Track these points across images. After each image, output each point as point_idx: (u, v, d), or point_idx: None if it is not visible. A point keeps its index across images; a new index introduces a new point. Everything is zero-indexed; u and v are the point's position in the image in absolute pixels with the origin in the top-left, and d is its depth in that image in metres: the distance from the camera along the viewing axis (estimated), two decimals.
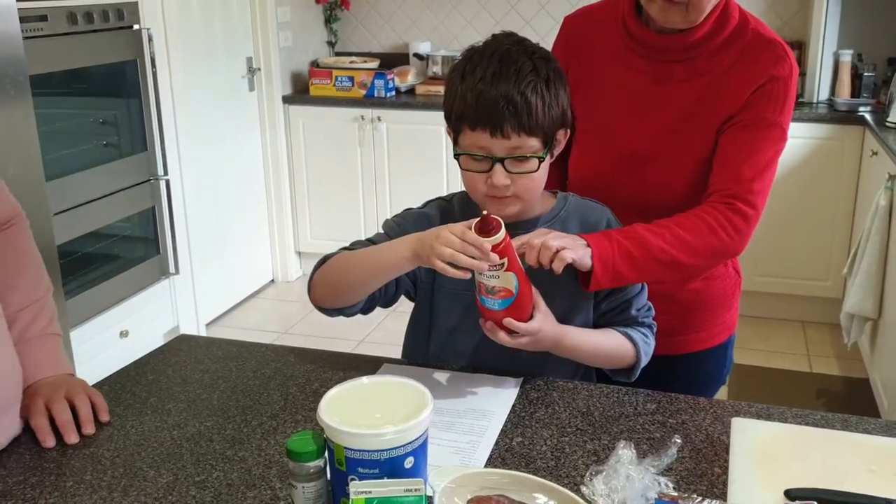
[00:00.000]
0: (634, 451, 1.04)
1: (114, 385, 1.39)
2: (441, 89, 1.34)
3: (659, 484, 1.03)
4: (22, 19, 2.32)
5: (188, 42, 3.66)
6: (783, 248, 3.84)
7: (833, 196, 3.75)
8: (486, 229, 1.17)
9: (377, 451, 0.94)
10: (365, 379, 1.07)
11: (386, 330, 3.75)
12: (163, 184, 3.40)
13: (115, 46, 3.11)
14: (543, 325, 1.27)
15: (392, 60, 4.61)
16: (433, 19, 4.68)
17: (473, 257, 1.16)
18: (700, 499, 1.03)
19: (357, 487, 0.91)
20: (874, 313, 3.10)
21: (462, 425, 1.23)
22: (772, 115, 1.43)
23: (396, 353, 1.52)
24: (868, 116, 3.63)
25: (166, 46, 3.45)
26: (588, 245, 1.30)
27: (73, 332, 2.83)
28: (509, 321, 1.24)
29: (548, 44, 1.59)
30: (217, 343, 1.56)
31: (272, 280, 4.62)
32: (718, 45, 1.45)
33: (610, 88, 1.53)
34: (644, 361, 1.39)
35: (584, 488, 1.04)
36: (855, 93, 3.99)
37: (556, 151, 1.36)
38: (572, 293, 1.37)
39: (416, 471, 0.97)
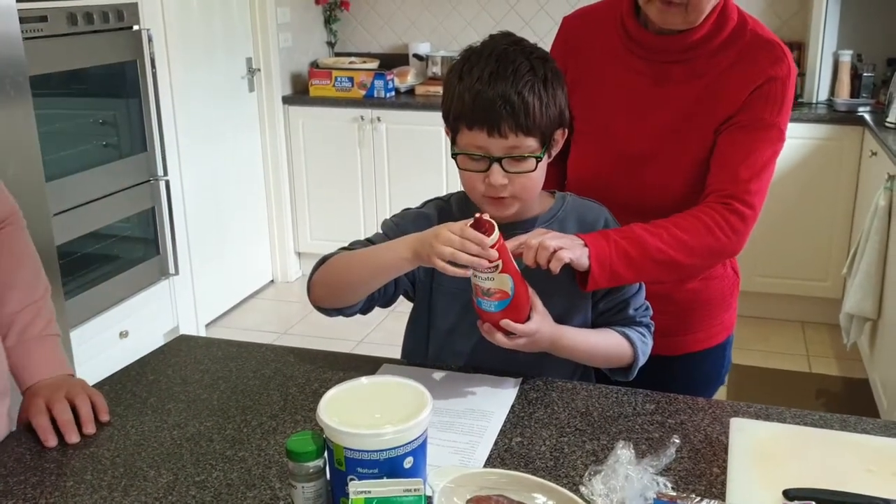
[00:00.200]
0: (633, 451, 1.04)
1: (114, 385, 1.39)
2: (440, 90, 1.34)
3: (657, 484, 1.03)
4: (22, 20, 2.33)
5: (188, 43, 3.67)
6: (782, 248, 3.85)
7: (832, 196, 3.75)
8: (479, 231, 1.18)
9: (376, 451, 0.94)
10: (364, 379, 1.08)
11: (385, 330, 3.75)
12: (162, 184, 3.40)
13: (114, 47, 3.11)
14: (541, 325, 1.27)
15: (392, 61, 4.62)
16: (433, 20, 4.69)
17: (473, 254, 1.16)
18: (699, 499, 1.03)
19: (356, 487, 0.91)
20: (873, 313, 3.10)
21: (461, 425, 1.24)
22: (770, 115, 1.43)
23: (396, 354, 1.52)
24: (867, 117, 3.63)
25: (166, 47, 3.45)
26: (585, 245, 1.30)
27: (72, 333, 2.83)
28: (506, 322, 1.24)
29: (547, 44, 1.59)
30: (217, 343, 1.56)
31: (272, 280, 4.62)
32: (717, 46, 1.46)
33: (609, 89, 1.53)
34: (642, 361, 1.40)
35: (582, 488, 1.04)
36: (854, 93, 3.99)
37: (554, 151, 1.36)
38: (570, 293, 1.37)
39: (416, 471, 0.97)
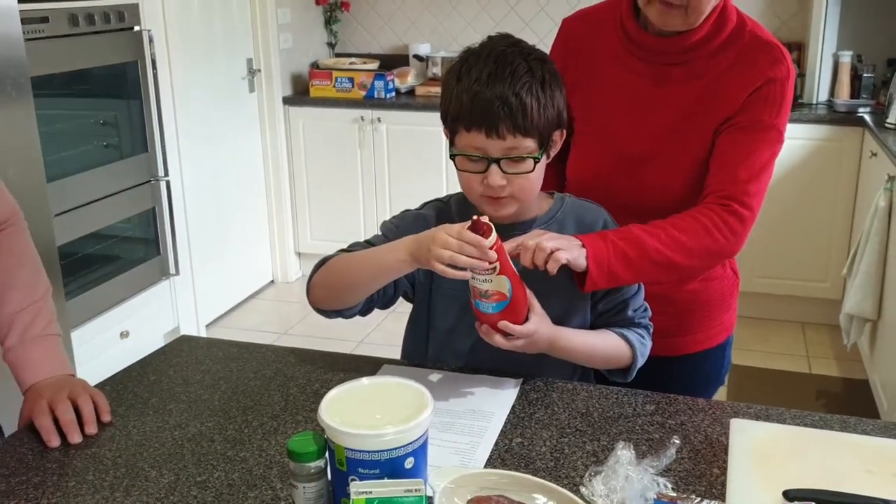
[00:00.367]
0: (633, 451, 1.04)
1: (115, 386, 1.39)
2: (440, 90, 1.34)
3: (658, 484, 1.03)
4: (23, 21, 2.33)
5: (189, 43, 3.67)
6: (782, 249, 3.85)
7: (832, 197, 3.75)
8: (476, 233, 1.18)
9: (378, 451, 0.94)
10: (365, 380, 1.08)
11: (385, 331, 3.75)
12: (163, 185, 3.40)
13: (115, 48, 3.12)
14: (539, 326, 1.27)
15: (392, 62, 4.62)
16: (433, 21, 4.69)
17: (471, 256, 1.16)
18: (699, 499, 1.03)
19: (357, 488, 0.91)
20: (873, 314, 3.10)
21: (462, 426, 1.24)
22: (768, 117, 1.43)
23: (396, 354, 1.53)
24: (867, 117, 3.64)
25: (167, 48, 3.45)
26: (583, 246, 1.31)
27: (73, 333, 2.84)
28: (504, 324, 1.24)
29: (547, 45, 1.60)
30: (218, 344, 1.57)
31: (272, 281, 4.62)
32: (716, 48, 1.46)
33: (609, 90, 1.53)
34: (640, 362, 1.40)
35: (583, 489, 1.04)
36: (854, 94, 3.99)
37: (553, 152, 1.36)
38: (569, 294, 1.37)
39: (417, 471, 0.97)
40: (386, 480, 0.94)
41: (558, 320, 1.34)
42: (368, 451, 0.94)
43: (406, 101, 4.31)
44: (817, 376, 3.51)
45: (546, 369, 1.40)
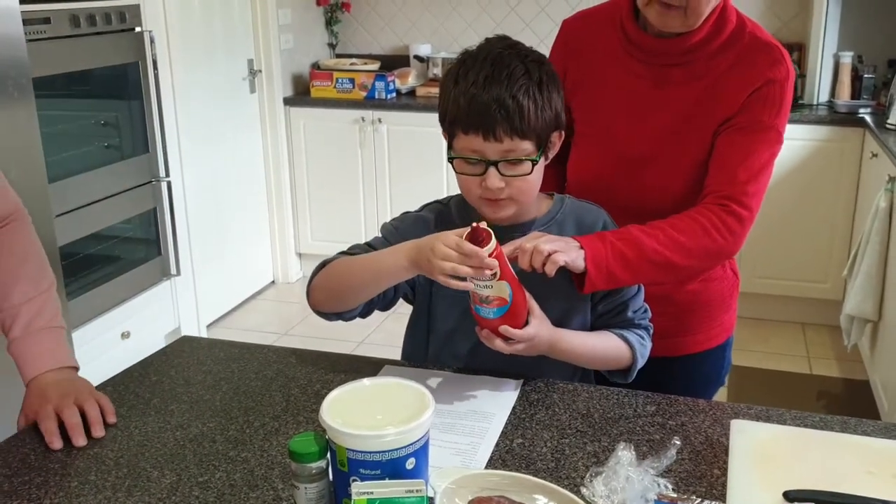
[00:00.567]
0: (634, 452, 1.04)
1: (117, 386, 1.40)
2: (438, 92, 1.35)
3: (658, 485, 1.03)
4: (25, 22, 2.33)
5: (189, 44, 3.67)
6: (783, 249, 3.85)
7: (833, 198, 3.75)
8: (476, 241, 1.18)
9: (379, 452, 0.95)
10: (366, 380, 1.08)
11: (386, 331, 3.76)
12: (164, 185, 3.40)
13: (117, 49, 3.12)
14: (539, 330, 1.27)
15: (392, 62, 4.62)
16: (433, 21, 4.69)
17: (473, 266, 1.17)
18: (699, 500, 1.04)
19: (359, 488, 0.92)
20: (874, 315, 3.10)
21: (463, 427, 1.24)
22: (768, 118, 1.44)
23: (397, 355, 1.53)
24: (868, 118, 3.64)
25: (168, 48, 3.46)
26: (581, 247, 1.31)
27: (74, 334, 2.84)
28: (505, 328, 1.25)
29: (547, 46, 1.60)
30: (219, 344, 1.57)
31: (273, 281, 4.62)
32: (716, 49, 1.46)
33: (609, 91, 1.53)
34: (640, 363, 1.40)
35: (583, 489, 1.05)
36: (855, 94, 4.00)
37: (551, 154, 1.36)
38: (569, 296, 1.38)
39: (418, 472, 0.98)
40: (387, 481, 0.94)
41: (558, 322, 1.34)
42: (370, 452, 0.95)
43: (407, 101, 4.31)
44: (818, 377, 3.52)
45: (546, 370, 1.40)
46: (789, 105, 1.46)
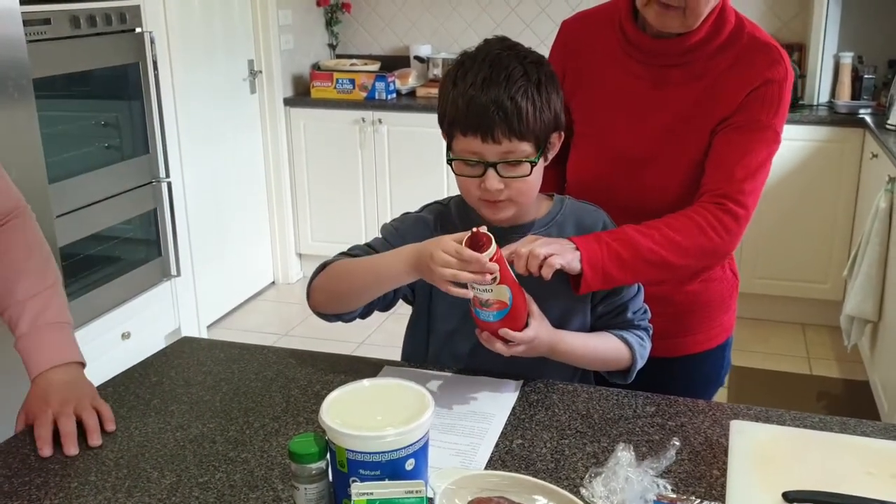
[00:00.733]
0: (633, 453, 1.05)
1: (117, 387, 1.40)
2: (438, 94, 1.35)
3: (657, 486, 1.03)
4: (25, 23, 2.33)
5: (190, 45, 3.67)
6: (783, 250, 3.85)
7: (833, 198, 3.75)
8: (476, 245, 1.18)
9: (378, 452, 0.95)
10: (366, 381, 1.08)
11: (386, 332, 3.76)
12: (164, 186, 3.40)
13: (117, 49, 3.12)
14: (539, 332, 1.27)
15: (393, 63, 4.62)
16: (433, 22, 4.69)
17: (474, 272, 1.17)
18: (698, 501, 1.04)
19: (358, 489, 0.92)
20: (874, 315, 3.10)
21: (462, 427, 1.24)
22: (765, 117, 1.44)
23: (397, 356, 1.53)
24: (868, 119, 3.64)
25: (168, 49, 3.46)
26: (577, 248, 1.31)
27: (75, 334, 2.84)
28: (505, 331, 1.25)
29: (547, 47, 1.60)
30: (219, 345, 1.57)
31: (273, 282, 4.63)
32: (715, 49, 1.46)
33: (608, 92, 1.54)
34: (640, 364, 1.40)
35: (583, 490, 1.05)
36: (855, 95, 4.00)
37: (551, 155, 1.36)
38: (569, 297, 1.38)
39: (417, 472, 0.98)
40: (387, 482, 0.94)
41: (558, 323, 1.34)
42: (369, 453, 0.95)
43: (407, 102, 4.32)
44: (818, 377, 3.52)
45: (546, 371, 1.40)
46: (787, 105, 1.46)
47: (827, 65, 4.06)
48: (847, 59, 4.01)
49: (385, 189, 4.37)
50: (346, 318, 1.39)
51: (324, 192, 4.49)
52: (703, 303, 1.59)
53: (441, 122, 1.34)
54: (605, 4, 1.59)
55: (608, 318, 1.41)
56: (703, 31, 1.45)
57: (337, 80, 4.36)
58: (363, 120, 4.29)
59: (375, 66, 4.52)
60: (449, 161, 1.33)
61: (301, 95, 4.49)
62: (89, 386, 1.32)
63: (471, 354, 1.41)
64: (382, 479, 0.95)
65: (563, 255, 1.28)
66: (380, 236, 1.44)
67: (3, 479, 1.14)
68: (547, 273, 1.26)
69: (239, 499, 1.09)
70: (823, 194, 3.76)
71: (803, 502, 1.02)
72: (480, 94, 1.26)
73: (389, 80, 4.31)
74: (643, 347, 1.40)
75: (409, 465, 0.97)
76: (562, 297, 1.37)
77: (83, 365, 1.34)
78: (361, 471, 0.96)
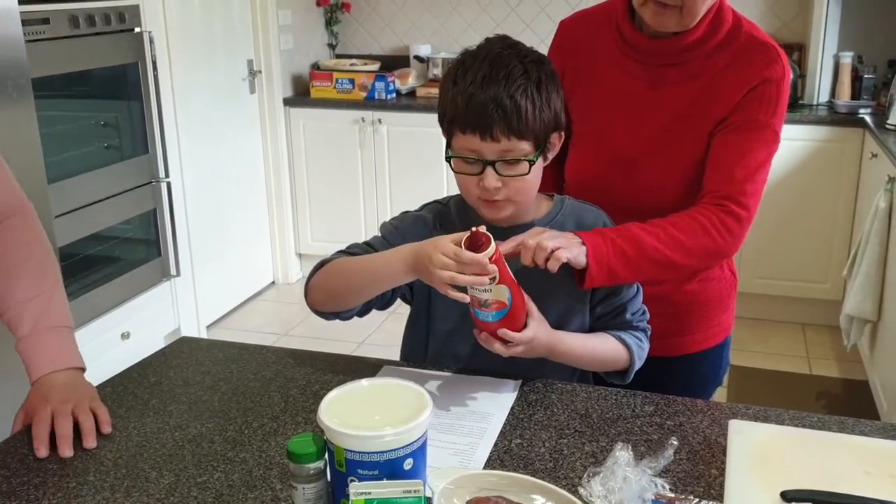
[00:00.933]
0: (632, 452, 1.04)
1: (116, 387, 1.40)
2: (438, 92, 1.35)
3: (656, 485, 1.03)
4: (24, 22, 2.33)
5: (189, 45, 3.67)
6: (783, 250, 3.85)
7: (833, 198, 3.75)
8: (475, 245, 1.18)
9: (377, 452, 0.95)
10: (365, 381, 1.08)
11: (386, 332, 3.76)
12: (164, 186, 3.41)
13: (116, 49, 3.12)
14: (537, 332, 1.27)
15: (392, 63, 4.62)
16: (433, 22, 4.69)
17: (472, 274, 1.17)
18: (697, 500, 1.04)
19: (357, 488, 0.92)
20: (874, 315, 3.10)
21: (461, 427, 1.24)
22: (764, 117, 1.44)
23: (397, 355, 1.53)
24: (868, 118, 3.64)
25: (167, 49, 3.46)
26: (583, 243, 1.31)
27: (75, 334, 2.83)
28: (504, 331, 1.24)
29: (547, 46, 1.60)
30: (218, 345, 1.57)
31: (273, 282, 4.63)
32: (712, 48, 1.46)
33: (605, 91, 1.54)
34: (638, 365, 1.40)
35: (581, 489, 1.05)
36: (855, 95, 4.00)
37: (551, 155, 1.36)
38: (568, 297, 1.38)
39: (416, 472, 0.98)
40: (385, 481, 0.94)
41: (558, 323, 1.34)
42: (367, 453, 0.95)
43: (407, 102, 4.32)
44: (817, 377, 3.52)
45: (546, 372, 1.40)
46: (785, 105, 1.47)
47: (827, 65, 4.06)
48: (847, 58, 4.01)
49: (385, 189, 4.37)
50: (343, 316, 1.39)
51: (323, 192, 4.49)
52: (701, 302, 1.59)
53: (441, 120, 1.34)
54: (602, 4, 1.59)
55: (607, 318, 1.41)
56: (701, 31, 1.45)
57: (337, 80, 4.36)
58: (363, 120, 4.29)
59: (375, 66, 4.52)
60: (447, 159, 1.33)
61: (301, 95, 4.49)
62: (89, 387, 1.32)
63: (470, 355, 1.41)
64: (381, 479, 0.95)
65: (569, 248, 1.28)
66: (379, 235, 1.44)
67: (1, 479, 1.14)
68: (553, 266, 1.26)
69: (237, 498, 1.09)
70: (823, 194, 3.76)
71: (802, 502, 1.02)
72: (480, 92, 1.26)
73: (389, 79, 4.31)
74: (641, 349, 1.40)
75: (408, 464, 0.97)
76: (561, 297, 1.37)
77: (83, 370, 1.34)
78: (360, 470, 0.95)
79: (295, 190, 4.52)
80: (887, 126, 3.46)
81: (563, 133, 1.37)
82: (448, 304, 1.38)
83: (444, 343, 1.44)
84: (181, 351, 1.54)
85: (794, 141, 3.65)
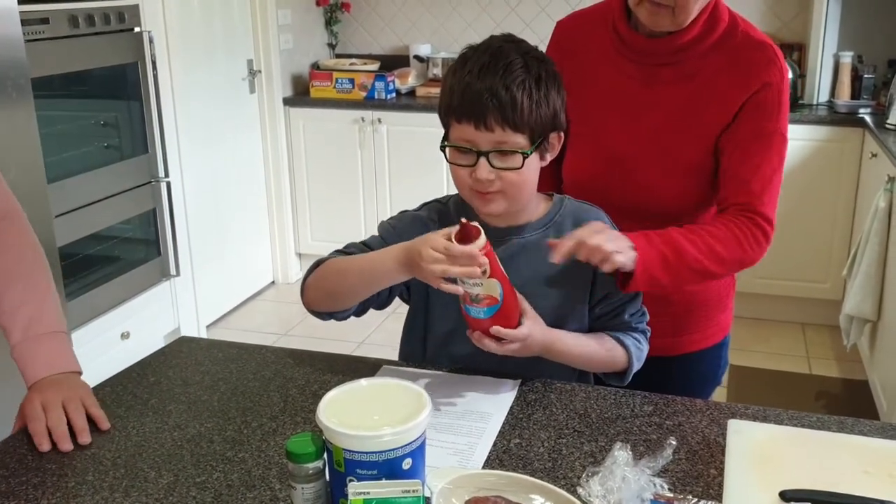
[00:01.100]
0: (630, 452, 1.04)
1: (115, 387, 1.40)
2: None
3: (654, 485, 1.03)
4: (23, 22, 2.33)
5: (189, 44, 3.67)
6: (783, 249, 3.84)
7: (833, 198, 3.75)
8: (466, 238, 1.17)
9: (375, 452, 0.95)
10: (364, 381, 1.08)
11: (386, 332, 3.76)
12: (163, 186, 3.41)
13: (116, 49, 3.12)
14: (532, 330, 1.27)
15: (392, 62, 4.62)
16: (433, 21, 4.69)
17: (464, 265, 1.16)
18: (695, 500, 1.04)
19: (355, 488, 0.92)
20: (873, 315, 3.10)
21: (460, 427, 1.24)
22: (770, 123, 1.45)
23: (396, 355, 1.53)
24: (868, 118, 3.64)
25: (167, 49, 3.46)
26: (634, 248, 1.32)
27: (74, 334, 2.80)
28: (496, 329, 1.24)
29: (547, 47, 1.60)
30: (217, 345, 1.57)
31: (272, 282, 4.63)
32: (708, 48, 1.46)
33: (602, 91, 1.54)
34: (636, 367, 1.40)
35: (580, 489, 1.05)
36: (855, 95, 4.00)
37: (549, 156, 1.35)
38: (567, 298, 1.37)
39: (414, 472, 0.98)
40: (384, 481, 0.94)
41: (555, 324, 1.34)
42: (366, 452, 0.95)
43: (406, 101, 4.32)
44: (817, 377, 3.52)
45: (546, 372, 1.39)
46: (787, 104, 1.48)
47: (827, 64, 4.06)
48: (847, 58, 4.00)
49: (384, 189, 4.37)
50: (339, 316, 1.39)
51: (323, 192, 4.49)
52: (700, 302, 1.59)
53: (439, 111, 1.34)
54: (598, 4, 1.59)
55: (605, 319, 1.41)
56: (696, 30, 1.45)
57: (336, 80, 4.36)
58: (363, 119, 4.29)
59: (375, 66, 4.52)
60: (442, 148, 1.32)
61: (300, 95, 4.49)
62: (84, 386, 1.31)
63: (469, 356, 1.40)
64: (379, 479, 0.95)
65: (625, 253, 1.29)
66: (376, 234, 1.43)
67: (0, 479, 1.14)
68: (607, 268, 1.28)
69: (236, 498, 1.09)
70: (823, 194, 3.76)
71: (800, 501, 1.02)
72: (477, 82, 1.26)
73: (389, 79, 4.31)
74: (640, 350, 1.40)
75: (406, 464, 0.97)
76: (559, 298, 1.37)
77: (79, 374, 1.34)
78: (358, 470, 0.95)
79: (295, 189, 4.52)
80: (887, 126, 3.46)
81: (562, 134, 1.36)
82: (446, 305, 1.39)
83: (443, 344, 1.44)
84: (180, 351, 1.54)
85: (794, 141, 3.62)
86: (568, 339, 1.35)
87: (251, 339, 3.53)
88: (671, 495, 1.04)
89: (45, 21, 2.75)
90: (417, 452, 0.98)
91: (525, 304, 1.28)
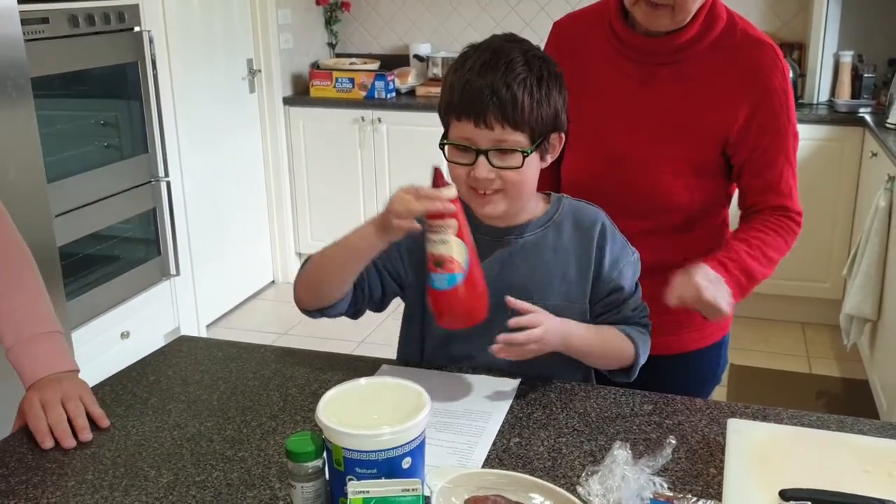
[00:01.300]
0: (630, 451, 1.04)
1: (115, 386, 1.40)
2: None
3: (654, 484, 1.03)
4: (23, 22, 2.33)
5: (189, 44, 3.67)
6: None
7: (833, 197, 3.75)
8: (437, 183, 1.18)
9: (375, 451, 0.95)
10: (363, 380, 1.08)
11: (386, 331, 3.75)
12: (163, 185, 3.41)
13: (116, 48, 3.12)
14: (547, 325, 1.25)
15: (392, 62, 4.62)
16: (433, 21, 4.69)
17: (429, 200, 1.17)
18: (695, 499, 1.04)
19: (355, 487, 0.92)
20: (873, 315, 3.10)
21: (460, 426, 1.24)
22: (784, 126, 1.48)
23: (395, 355, 1.52)
24: (868, 118, 3.64)
25: (167, 48, 3.46)
26: (730, 293, 1.37)
27: (74, 334, 2.84)
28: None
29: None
30: (217, 344, 1.57)
31: (272, 281, 4.63)
32: (706, 47, 1.46)
33: (600, 91, 1.53)
34: (643, 360, 1.38)
35: (580, 488, 1.05)
36: (855, 94, 3.99)
37: (550, 157, 1.34)
38: (566, 295, 1.37)
39: (414, 471, 0.98)
40: (383, 480, 0.94)
41: None
42: (366, 451, 0.95)
43: (406, 101, 4.32)
44: (817, 376, 3.52)
45: (549, 372, 1.38)
46: (793, 99, 1.50)
47: (827, 63, 4.06)
48: (847, 57, 4.00)
49: (385, 188, 4.37)
50: (329, 312, 1.36)
51: (323, 192, 4.49)
52: None
53: (439, 109, 1.33)
54: (595, 4, 1.59)
55: (608, 315, 1.40)
56: (695, 30, 1.45)
57: (336, 80, 4.36)
58: (363, 119, 4.29)
59: (375, 65, 4.52)
60: (441, 146, 1.32)
61: (300, 94, 4.49)
62: (82, 385, 1.31)
63: (467, 358, 1.40)
64: (379, 478, 0.95)
65: (726, 297, 1.35)
66: None
67: (0, 477, 1.14)
68: (712, 317, 1.37)
69: (236, 497, 1.09)
70: (823, 193, 3.75)
71: (800, 500, 1.02)
72: (477, 79, 1.25)
73: (389, 79, 4.31)
74: (645, 343, 1.39)
75: (406, 463, 0.96)
76: (559, 296, 1.36)
77: (76, 372, 1.33)
78: (358, 469, 0.95)
79: (295, 189, 4.52)
80: (887, 125, 3.46)
81: (563, 135, 1.35)
82: None
83: (441, 345, 1.43)
84: (180, 350, 1.54)
85: None
86: (581, 328, 1.33)
87: (251, 338, 3.53)
88: (671, 494, 1.04)
89: (44, 21, 2.75)
90: (417, 451, 0.98)
91: (524, 304, 1.27)
